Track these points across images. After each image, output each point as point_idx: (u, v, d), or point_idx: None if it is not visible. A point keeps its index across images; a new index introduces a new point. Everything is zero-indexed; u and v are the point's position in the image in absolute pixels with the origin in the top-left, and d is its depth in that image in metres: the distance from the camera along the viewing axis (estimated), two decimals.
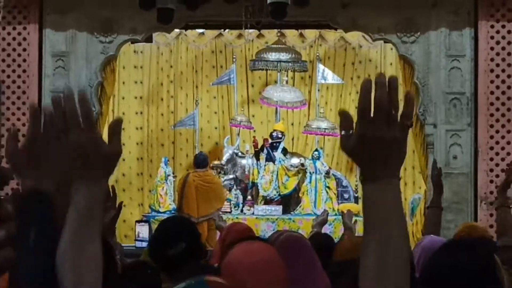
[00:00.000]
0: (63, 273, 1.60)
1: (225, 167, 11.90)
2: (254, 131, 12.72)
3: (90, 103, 1.67)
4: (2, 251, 1.26)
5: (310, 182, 11.60)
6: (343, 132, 1.54)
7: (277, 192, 11.80)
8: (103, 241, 1.66)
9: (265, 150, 11.87)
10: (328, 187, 11.57)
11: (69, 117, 1.62)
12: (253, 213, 11.49)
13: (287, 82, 12.66)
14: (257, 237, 3.33)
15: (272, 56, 12.35)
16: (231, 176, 11.84)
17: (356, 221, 6.23)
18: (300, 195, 11.73)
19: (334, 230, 10.47)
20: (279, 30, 12.24)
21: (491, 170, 9.01)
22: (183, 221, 4.04)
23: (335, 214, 10.80)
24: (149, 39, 10.76)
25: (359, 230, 6.28)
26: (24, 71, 9.69)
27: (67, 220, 1.63)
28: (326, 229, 6.00)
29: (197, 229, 3.88)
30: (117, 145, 1.65)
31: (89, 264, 1.60)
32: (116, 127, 1.67)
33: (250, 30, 11.43)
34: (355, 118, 1.52)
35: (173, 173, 12.11)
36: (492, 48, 9.17)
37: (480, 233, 4.74)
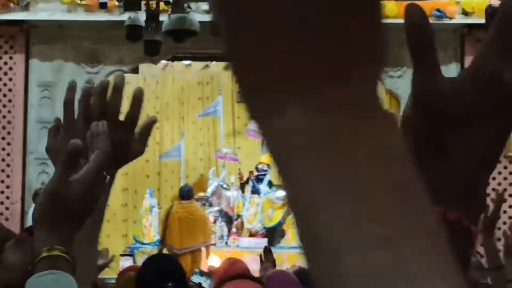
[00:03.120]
0: None
1: (210, 199, 11.84)
2: (240, 163, 12.69)
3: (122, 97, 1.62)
4: None
5: None
6: None
7: (262, 224, 11.74)
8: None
9: (250, 183, 11.83)
10: None
11: (111, 110, 1.56)
12: (237, 246, 11.41)
13: None
14: (248, 275, 3.28)
15: None
16: (216, 208, 11.78)
17: None
18: (285, 228, 11.67)
19: None
20: None
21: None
22: (169, 260, 3.97)
23: None
24: (135, 70, 10.77)
25: None
26: (9, 100, 9.65)
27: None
28: None
29: (183, 267, 3.80)
30: (143, 145, 1.59)
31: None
32: (149, 127, 1.62)
33: None
34: None
35: (158, 205, 12.04)
36: None
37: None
